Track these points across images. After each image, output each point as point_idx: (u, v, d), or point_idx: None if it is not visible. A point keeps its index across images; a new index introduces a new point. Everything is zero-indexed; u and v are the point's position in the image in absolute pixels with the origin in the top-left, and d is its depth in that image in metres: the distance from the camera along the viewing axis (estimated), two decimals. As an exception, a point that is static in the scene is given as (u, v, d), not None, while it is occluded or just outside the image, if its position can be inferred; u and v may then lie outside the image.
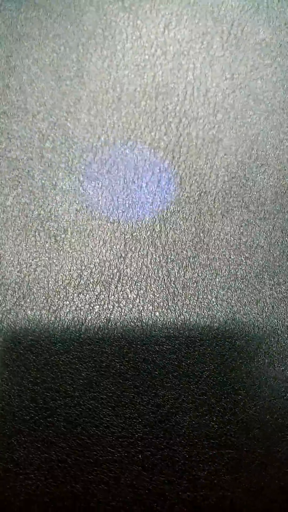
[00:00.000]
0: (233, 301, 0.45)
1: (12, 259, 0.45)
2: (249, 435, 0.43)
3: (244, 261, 0.46)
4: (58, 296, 0.45)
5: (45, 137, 0.47)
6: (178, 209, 0.46)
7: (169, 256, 0.46)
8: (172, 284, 0.45)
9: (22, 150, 0.47)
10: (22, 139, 0.47)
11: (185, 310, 0.45)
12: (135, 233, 0.46)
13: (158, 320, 0.44)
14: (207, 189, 0.47)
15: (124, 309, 0.44)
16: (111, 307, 0.45)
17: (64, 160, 0.47)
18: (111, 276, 0.45)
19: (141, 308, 0.45)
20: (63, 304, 0.45)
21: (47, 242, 0.46)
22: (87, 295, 0.45)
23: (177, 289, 0.45)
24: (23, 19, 0.50)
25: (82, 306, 0.45)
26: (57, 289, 0.45)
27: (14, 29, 0.50)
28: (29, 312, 0.44)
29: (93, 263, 0.45)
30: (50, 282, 0.45)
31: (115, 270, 0.45)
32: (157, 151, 0.47)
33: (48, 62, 0.49)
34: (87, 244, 0.46)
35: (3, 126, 0.48)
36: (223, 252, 0.46)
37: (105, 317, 0.44)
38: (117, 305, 0.45)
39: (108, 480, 0.42)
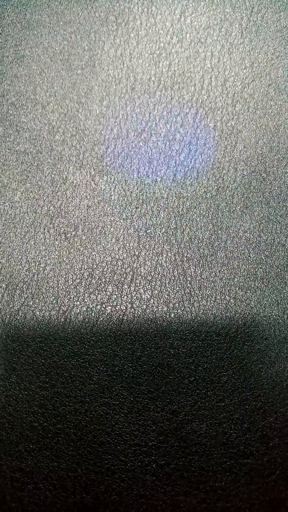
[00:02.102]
0: (252, 302, 0.43)
1: (20, 257, 0.43)
2: (269, 444, 0.40)
3: (264, 260, 0.43)
4: (69, 296, 0.43)
5: (55, 129, 0.45)
6: (195, 205, 0.44)
7: (185, 255, 0.43)
8: (188, 284, 0.43)
9: (31, 142, 0.45)
10: (31, 132, 0.45)
11: (202, 311, 0.42)
12: (149, 230, 0.44)
13: (173, 322, 0.42)
14: (226, 183, 0.45)
15: (138, 310, 0.42)
16: (124, 308, 0.42)
17: (75, 153, 0.45)
18: (124, 276, 0.43)
19: (156, 309, 0.42)
20: (74, 304, 0.42)
21: (57, 240, 0.44)
22: (99, 295, 0.43)
23: (193, 289, 0.43)
24: (33, 6, 0.48)
25: (93, 306, 0.42)
26: (67, 289, 0.43)
27: (23, 16, 0.47)
28: (38, 313, 0.42)
29: (105, 261, 0.43)
30: (60, 281, 0.43)
31: (128, 269, 0.43)
32: (173, 143, 0.45)
33: (58, 50, 0.47)
34: (98, 242, 0.44)
35: (11, 118, 0.46)
36: (242, 250, 0.43)
37: (117, 318, 0.42)
38: (130, 306, 0.42)
39: (120, 490, 0.40)
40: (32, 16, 0.47)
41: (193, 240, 0.44)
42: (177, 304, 0.42)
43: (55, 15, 0.47)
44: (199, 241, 0.44)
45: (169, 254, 0.43)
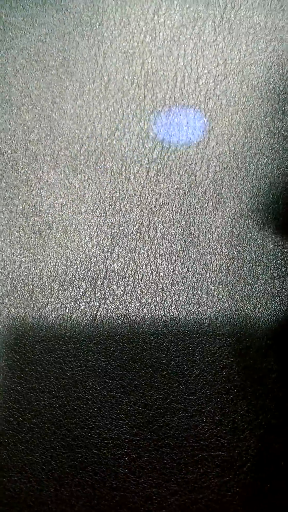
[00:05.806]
0: (224, 297, 0.43)
1: (-5, 255, 0.44)
2: (240, 437, 0.41)
3: (236, 255, 0.44)
4: (43, 293, 0.43)
5: (29, 129, 0.46)
6: (168, 201, 0.45)
7: (158, 251, 0.44)
8: (161, 280, 0.43)
9: (6, 142, 0.46)
10: (6, 132, 0.46)
11: (174, 306, 0.43)
12: (122, 227, 0.44)
13: (146, 317, 0.43)
14: (198, 180, 0.45)
15: (111, 306, 0.43)
16: (97, 304, 0.43)
17: (49, 153, 0.46)
18: (98, 272, 0.44)
19: (129, 305, 0.43)
20: (48, 301, 0.43)
21: (31, 238, 0.44)
22: (73, 292, 0.43)
23: (166, 284, 0.43)
24: (8, 8, 0.48)
25: (67, 303, 0.43)
26: (42, 286, 0.43)
27: (-1, 18, 0.48)
28: (12, 309, 0.43)
29: (79, 258, 0.44)
30: (35, 279, 0.44)
31: (102, 266, 0.44)
32: (146, 141, 0.46)
33: (33, 51, 0.47)
34: (72, 239, 0.44)
35: (-13, 118, 0.46)
36: (214, 245, 0.44)
37: (91, 314, 0.43)
38: (103, 302, 0.43)
39: (93, 483, 0.40)
40: (7, 18, 0.48)
41: (165, 236, 0.44)
42: (149, 300, 0.43)
43: (30, 17, 0.48)
44: (172, 237, 0.44)
45: (142, 251, 0.44)
